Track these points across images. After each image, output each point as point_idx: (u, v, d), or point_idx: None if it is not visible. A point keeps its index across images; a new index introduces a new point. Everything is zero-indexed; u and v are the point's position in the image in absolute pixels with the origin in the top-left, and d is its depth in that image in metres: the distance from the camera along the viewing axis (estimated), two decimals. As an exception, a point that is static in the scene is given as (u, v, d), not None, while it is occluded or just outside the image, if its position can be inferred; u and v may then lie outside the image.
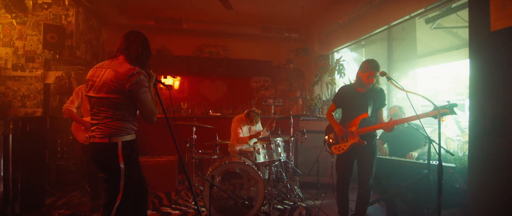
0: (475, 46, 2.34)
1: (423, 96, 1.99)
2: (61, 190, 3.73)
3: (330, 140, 2.63)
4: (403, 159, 2.92)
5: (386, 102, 2.53)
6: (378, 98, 2.48)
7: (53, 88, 4.34)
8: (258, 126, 3.98)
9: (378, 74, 2.35)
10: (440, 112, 1.98)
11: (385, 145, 3.55)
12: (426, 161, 2.71)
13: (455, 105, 2.01)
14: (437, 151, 1.89)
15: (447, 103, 2.06)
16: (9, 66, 4.16)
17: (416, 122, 3.18)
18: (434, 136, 2.64)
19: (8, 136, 2.89)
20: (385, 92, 2.59)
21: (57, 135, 3.95)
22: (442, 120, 1.97)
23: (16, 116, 3.73)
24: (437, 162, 2.29)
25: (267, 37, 6.05)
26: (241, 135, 3.73)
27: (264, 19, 5.83)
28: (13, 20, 4.14)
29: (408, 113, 3.51)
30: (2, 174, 2.83)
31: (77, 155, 4.20)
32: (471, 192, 2.43)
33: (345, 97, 2.60)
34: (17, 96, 4.19)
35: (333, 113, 2.75)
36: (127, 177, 1.75)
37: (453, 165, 2.66)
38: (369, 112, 2.44)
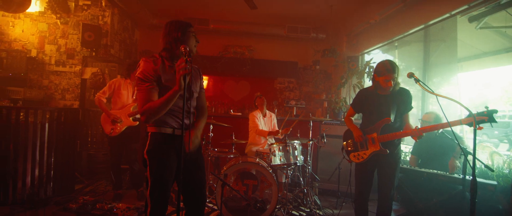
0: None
1: (455, 101, 1.75)
2: (90, 178, 4.00)
3: (349, 147, 2.43)
4: (435, 172, 2.63)
5: (412, 105, 2.27)
6: (403, 101, 2.24)
7: (88, 83, 4.69)
8: (273, 118, 4.01)
9: (395, 76, 2.15)
10: (476, 120, 1.71)
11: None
12: (460, 175, 2.40)
13: (495, 111, 1.72)
14: (472, 165, 1.63)
15: (485, 110, 1.77)
16: (53, 62, 4.59)
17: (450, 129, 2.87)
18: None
19: (44, 124, 3.17)
20: (411, 94, 2.32)
21: (88, 127, 4.26)
22: (479, 129, 1.71)
23: (52, 107, 4.08)
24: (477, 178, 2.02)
25: (293, 37, 5.92)
26: (260, 127, 3.73)
27: (290, 19, 5.72)
28: (58, 20, 4.57)
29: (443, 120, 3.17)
30: (38, 158, 3.11)
31: (107, 146, 4.48)
32: (516, 215, 2.09)
33: (365, 101, 2.38)
34: (58, 89, 4.60)
35: (353, 118, 2.54)
36: (153, 173, 1.66)
37: (494, 182, 2.32)
38: (392, 117, 2.21)
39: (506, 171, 2.76)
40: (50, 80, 4.59)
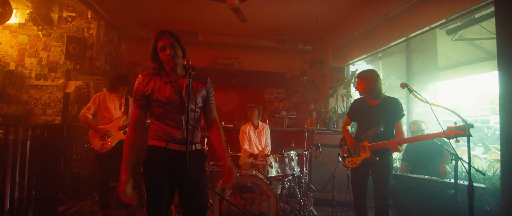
0: (504, 56, 2.19)
1: (449, 110, 1.85)
2: (74, 198, 3.75)
3: (344, 153, 2.59)
4: (427, 177, 2.73)
5: (404, 112, 2.40)
6: (392, 109, 2.37)
7: (72, 97, 4.48)
8: (266, 130, 3.91)
9: (365, 82, 2.39)
10: (454, 133, 1.87)
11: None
12: (451, 180, 2.51)
13: (471, 125, 1.84)
14: (467, 170, 1.71)
15: (463, 124, 1.87)
16: (33, 75, 4.36)
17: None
18: (458, 153, 2.45)
19: (26, 142, 2.96)
20: (401, 102, 2.46)
21: (73, 143, 4.03)
22: (457, 142, 1.89)
23: (34, 123, 3.85)
24: (465, 181, 2.13)
25: (281, 49, 6.05)
26: (245, 146, 3.66)
27: (278, 31, 5.85)
28: (39, 32, 4.37)
29: (430, 127, 3.32)
30: (17, 179, 2.88)
31: (91, 163, 4.26)
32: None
33: (357, 110, 2.55)
34: (39, 104, 4.35)
35: (349, 127, 2.68)
36: (146, 186, 1.65)
37: (483, 185, 2.45)
38: (382, 125, 2.35)
39: (491, 174, 2.92)
40: (29, 94, 4.34)
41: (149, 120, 1.78)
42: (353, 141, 2.47)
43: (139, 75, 1.71)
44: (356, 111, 2.56)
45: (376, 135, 2.35)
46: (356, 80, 2.49)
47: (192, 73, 1.55)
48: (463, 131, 1.87)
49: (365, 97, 2.50)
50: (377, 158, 2.33)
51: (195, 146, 1.77)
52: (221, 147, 1.83)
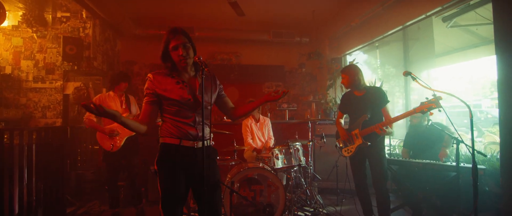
0: (502, 41, 2.26)
1: (453, 95, 1.92)
2: (80, 199, 3.77)
3: (340, 144, 2.78)
4: (428, 161, 2.81)
5: (388, 99, 2.54)
6: (376, 97, 2.53)
7: (72, 99, 4.45)
8: (267, 123, 3.97)
9: (348, 76, 2.57)
10: (427, 107, 2.09)
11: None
12: (452, 163, 2.60)
13: (440, 97, 2.06)
14: (470, 152, 1.79)
15: (433, 96, 2.08)
16: (30, 78, 4.30)
17: (441, 121, 3.12)
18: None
19: (31, 146, 2.95)
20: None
21: (76, 145, 4.02)
22: (431, 114, 2.09)
23: (38, 127, 3.82)
24: (466, 164, 2.23)
25: (278, 42, 6.06)
26: (249, 140, 3.75)
27: (275, 24, 5.85)
28: (34, 34, 4.30)
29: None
30: (25, 182, 2.88)
31: (95, 164, 4.26)
32: (506, 195, 2.31)
33: (347, 103, 2.73)
34: (38, 107, 4.31)
35: (342, 120, 2.86)
36: (160, 184, 1.66)
37: (483, 167, 2.54)
38: (369, 113, 2.51)
39: (489, 156, 3.03)
40: (28, 97, 4.28)
41: (159, 119, 1.79)
42: (345, 133, 2.67)
43: (149, 74, 1.70)
44: (345, 104, 2.76)
45: (365, 122, 2.52)
46: (340, 74, 2.70)
47: (206, 70, 1.57)
48: (434, 103, 2.07)
49: (351, 90, 2.69)
50: (369, 143, 2.50)
51: (207, 142, 1.80)
52: (249, 104, 1.92)
